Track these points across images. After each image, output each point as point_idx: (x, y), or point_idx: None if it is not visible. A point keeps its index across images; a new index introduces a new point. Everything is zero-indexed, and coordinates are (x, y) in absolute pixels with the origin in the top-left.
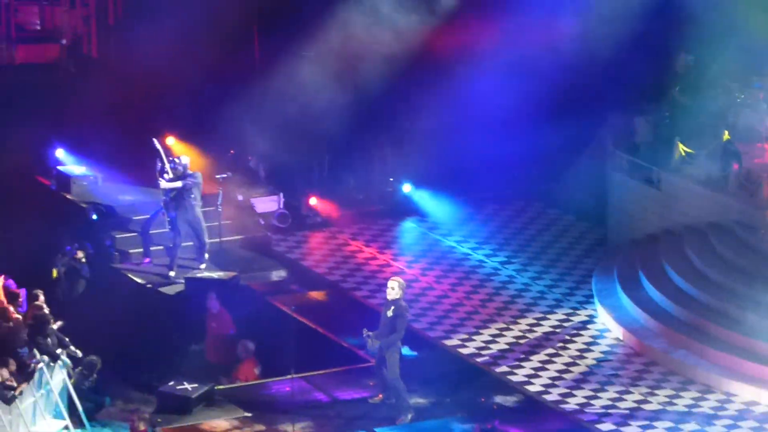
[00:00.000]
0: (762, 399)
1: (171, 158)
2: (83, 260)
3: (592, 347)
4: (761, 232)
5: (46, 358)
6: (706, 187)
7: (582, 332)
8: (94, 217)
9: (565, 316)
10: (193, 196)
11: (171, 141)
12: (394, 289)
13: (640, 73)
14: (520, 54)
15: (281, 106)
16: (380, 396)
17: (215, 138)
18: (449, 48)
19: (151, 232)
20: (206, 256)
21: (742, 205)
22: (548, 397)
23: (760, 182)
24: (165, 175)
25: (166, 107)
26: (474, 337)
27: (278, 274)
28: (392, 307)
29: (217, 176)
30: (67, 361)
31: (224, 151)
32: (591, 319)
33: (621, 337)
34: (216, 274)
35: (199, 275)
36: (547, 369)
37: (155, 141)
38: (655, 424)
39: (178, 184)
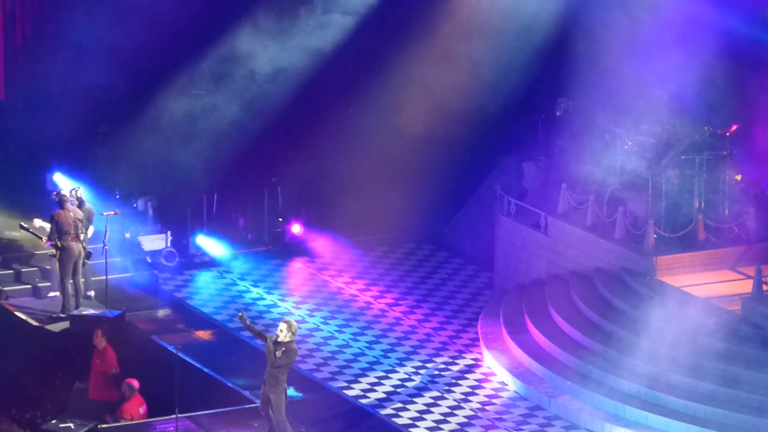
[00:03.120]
0: None
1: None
2: None
3: (477, 391)
4: (647, 278)
5: None
6: (592, 233)
7: (467, 375)
8: None
9: (450, 359)
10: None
11: (58, 177)
12: (282, 332)
13: (526, 120)
14: (404, 104)
15: (163, 143)
16: None
17: (99, 176)
18: (335, 87)
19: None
20: (92, 293)
21: (629, 251)
22: None
23: (646, 228)
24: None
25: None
26: (360, 379)
27: (164, 313)
28: (282, 349)
29: (104, 213)
30: None
31: (109, 188)
32: (476, 363)
33: (506, 381)
34: (102, 312)
35: (84, 312)
36: (432, 412)
37: (23, 225)
38: None
39: (91, 230)
